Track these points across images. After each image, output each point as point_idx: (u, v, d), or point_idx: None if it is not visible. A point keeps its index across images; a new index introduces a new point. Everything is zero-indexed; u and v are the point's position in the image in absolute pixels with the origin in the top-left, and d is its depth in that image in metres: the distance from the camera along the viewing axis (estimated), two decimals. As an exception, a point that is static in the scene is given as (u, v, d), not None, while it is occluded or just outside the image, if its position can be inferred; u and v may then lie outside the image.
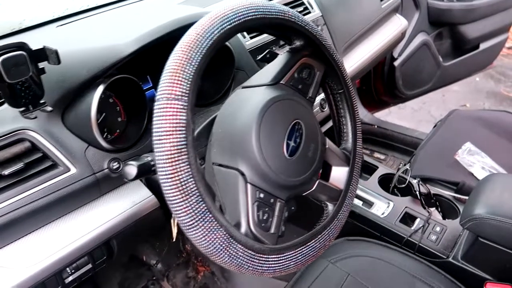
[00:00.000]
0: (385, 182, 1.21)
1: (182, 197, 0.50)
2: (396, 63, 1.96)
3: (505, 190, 0.91)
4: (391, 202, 1.12)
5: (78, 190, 0.70)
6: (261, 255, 0.57)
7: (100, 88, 0.68)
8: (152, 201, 0.80)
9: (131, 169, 0.59)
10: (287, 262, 0.61)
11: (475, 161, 1.25)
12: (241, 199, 0.60)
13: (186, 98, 0.51)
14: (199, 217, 0.51)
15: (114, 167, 0.74)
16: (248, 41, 0.97)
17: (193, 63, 0.52)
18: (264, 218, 0.61)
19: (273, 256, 0.59)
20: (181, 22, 0.73)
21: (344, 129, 0.78)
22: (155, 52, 0.74)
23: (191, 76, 0.52)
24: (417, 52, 2.00)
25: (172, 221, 0.83)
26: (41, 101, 0.63)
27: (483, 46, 2.20)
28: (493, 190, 0.91)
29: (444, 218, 1.10)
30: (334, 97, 0.78)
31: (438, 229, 1.03)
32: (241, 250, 0.55)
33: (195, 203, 0.51)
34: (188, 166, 0.50)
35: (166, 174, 0.50)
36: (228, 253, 0.54)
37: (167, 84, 0.51)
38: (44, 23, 0.94)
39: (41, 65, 0.61)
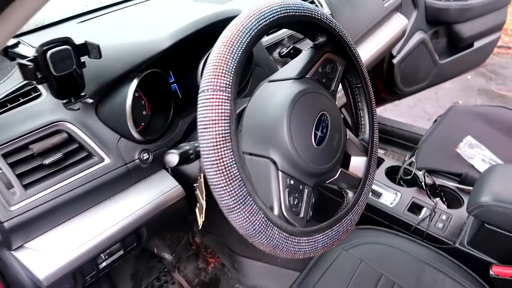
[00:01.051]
0: (392, 174, 1.26)
1: (226, 181, 0.54)
2: (395, 61, 2.01)
3: (508, 179, 0.97)
4: (398, 193, 1.17)
5: (111, 180, 0.74)
6: (293, 237, 0.61)
7: (135, 82, 0.71)
8: (178, 190, 0.83)
9: (173, 157, 0.63)
10: (316, 244, 0.65)
11: (476, 154, 1.31)
12: (273, 186, 0.64)
13: (229, 90, 0.55)
14: (241, 200, 0.55)
15: (144, 158, 0.78)
16: (264, 38, 1.01)
17: (234, 57, 0.56)
18: (295, 203, 0.65)
19: (304, 238, 0.63)
20: (212, 18, 0.76)
21: (362, 121, 0.82)
22: (177, 48, 0.77)
23: (233, 70, 0.55)
24: (415, 50, 2.05)
25: (197, 210, 0.87)
26: (82, 94, 0.66)
27: (477, 44, 2.27)
28: (497, 180, 0.97)
29: (448, 207, 1.15)
30: (352, 91, 0.82)
31: (444, 217, 1.08)
32: (277, 232, 0.59)
33: (237, 187, 0.54)
34: (231, 153, 0.54)
35: (211, 160, 0.53)
36: (265, 234, 0.58)
37: (212, 76, 0.54)
38: (65, 19, 0.96)
39: (82, 59, 0.64)
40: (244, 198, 0.55)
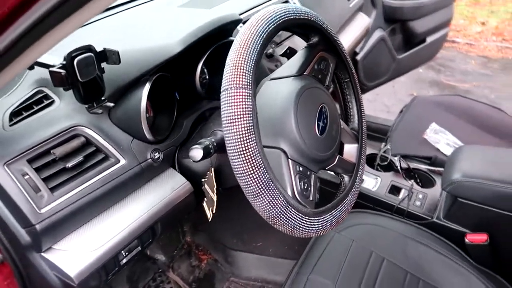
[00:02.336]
0: (370, 161, 1.37)
1: (252, 169, 0.60)
2: (358, 58, 2.15)
3: (474, 158, 1.10)
4: (378, 178, 1.28)
5: (127, 179, 0.78)
6: (307, 217, 0.69)
7: (147, 85, 0.76)
8: (187, 186, 0.88)
9: (198, 152, 0.68)
10: (325, 223, 0.73)
11: (441, 139, 1.45)
12: (285, 173, 0.71)
13: (250, 87, 0.61)
14: (265, 186, 0.61)
15: (156, 157, 0.82)
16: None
17: (252, 57, 0.62)
18: (305, 187, 0.72)
19: (315, 219, 0.71)
20: (216, 23, 0.82)
21: (351, 112, 0.91)
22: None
23: (252, 69, 0.62)
24: (375, 47, 2.20)
25: (204, 204, 0.92)
26: (103, 98, 0.70)
27: (429, 39, 2.47)
28: (464, 159, 1.10)
29: (423, 187, 1.28)
30: (341, 85, 0.91)
31: (420, 196, 1.20)
32: (294, 214, 0.66)
33: (261, 174, 0.61)
34: (255, 144, 0.60)
35: (238, 151, 0.59)
36: (286, 216, 0.64)
37: (234, 76, 0.60)
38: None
39: (102, 65, 0.68)
40: (268, 184, 0.62)
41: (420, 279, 1.01)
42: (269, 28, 0.66)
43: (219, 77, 1.03)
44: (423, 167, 1.32)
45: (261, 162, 0.61)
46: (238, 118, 0.60)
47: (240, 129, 0.60)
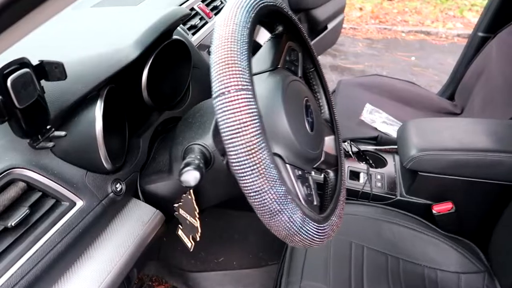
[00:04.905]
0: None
1: (268, 184, 0.50)
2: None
3: (424, 132, 1.13)
4: (334, 166, 1.25)
5: (89, 225, 0.61)
6: (320, 225, 0.61)
7: (100, 103, 0.59)
8: (158, 216, 0.74)
9: (193, 174, 0.55)
10: (333, 226, 0.66)
11: (376, 118, 1.49)
12: (287, 180, 0.62)
13: (251, 87, 0.50)
14: (282, 201, 0.51)
15: (118, 189, 0.66)
16: (192, 38, 0.95)
17: (244, 52, 0.51)
18: (308, 192, 0.64)
19: (326, 224, 0.63)
20: (168, 20, 0.68)
21: (320, 103, 0.85)
22: None
23: (247, 65, 0.51)
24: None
25: (180, 232, 0.78)
26: (48, 126, 0.52)
27: (330, 26, 2.57)
28: (416, 134, 1.12)
29: (376, 168, 1.29)
30: (307, 75, 0.84)
31: (379, 177, 1.21)
32: (312, 225, 0.57)
33: (278, 189, 0.51)
34: (268, 153, 0.50)
35: (248, 166, 0.49)
36: (304, 231, 0.55)
37: (229, 76, 0.49)
38: None
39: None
40: (285, 199, 0.52)
41: (400, 259, 1.01)
42: (250, 17, 0.56)
43: (167, 83, 0.90)
44: (370, 148, 1.34)
45: (276, 174, 0.51)
46: (244, 126, 0.48)
47: (249, 139, 0.48)
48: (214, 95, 0.49)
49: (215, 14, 1.10)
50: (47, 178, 0.57)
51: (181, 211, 0.73)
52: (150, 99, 0.77)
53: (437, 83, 3.27)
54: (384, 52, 4.12)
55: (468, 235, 1.06)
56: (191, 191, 0.69)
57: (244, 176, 0.49)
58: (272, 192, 0.50)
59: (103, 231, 0.65)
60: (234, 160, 0.49)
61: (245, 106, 0.49)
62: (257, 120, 0.49)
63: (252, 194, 0.50)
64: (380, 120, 1.48)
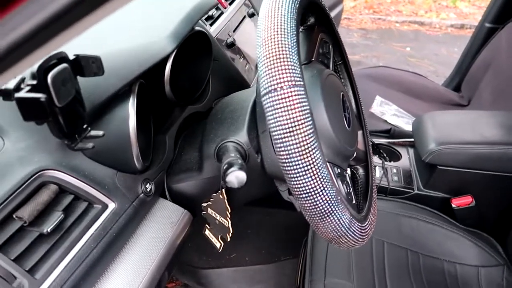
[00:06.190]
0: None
1: (321, 184, 0.47)
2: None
3: (441, 125, 1.12)
4: (349, 160, 1.23)
5: (122, 227, 0.57)
6: (362, 225, 0.59)
7: (133, 99, 0.56)
8: (186, 216, 0.71)
9: (239, 174, 0.52)
10: (371, 225, 0.64)
11: (386, 110, 1.47)
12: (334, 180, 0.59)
13: (303, 83, 0.47)
14: (334, 202, 0.49)
15: (148, 189, 0.63)
16: (210, 29, 0.92)
17: (293, 45, 0.48)
18: (347, 191, 0.62)
19: (366, 223, 0.61)
20: (203, 10, 0.64)
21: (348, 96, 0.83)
22: None
23: (297, 59, 0.48)
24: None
25: (207, 232, 0.75)
26: (84, 126, 0.48)
27: (331, 14, 2.54)
28: (433, 127, 1.11)
29: (391, 161, 1.27)
30: (335, 68, 0.81)
31: (395, 171, 1.19)
32: (357, 226, 0.55)
33: (330, 189, 0.49)
34: (320, 153, 0.48)
35: (302, 166, 0.46)
36: (351, 232, 0.53)
37: (282, 71, 0.46)
38: None
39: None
40: (336, 200, 0.50)
41: (420, 254, 1.00)
42: (296, 7, 0.53)
43: (188, 77, 0.86)
44: (383, 141, 1.32)
45: (327, 174, 0.48)
46: (298, 125, 0.46)
47: (302, 139, 0.46)
48: (264, 91, 0.46)
49: (230, 4, 1.06)
50: (79, 180, 0.53)
51: (210, 211, 0.70)
52: (172, 94, 0.74)
53: (433, 74, 3.28)
54: (379, 42, 4.11)
55: (486, 228, 1.06)
56: (223, 190, 0.66)
57: (297, 177, 0.46)
58: (325, 193, 0.48)
59: (133, 234, 0.62)
60: (286, 160, 0.46)
61: (299, 103, 0.46)
62: (310, 119, 0.47)
63: (303, 195, 0.48)
64: (390, 112, 1.46)
